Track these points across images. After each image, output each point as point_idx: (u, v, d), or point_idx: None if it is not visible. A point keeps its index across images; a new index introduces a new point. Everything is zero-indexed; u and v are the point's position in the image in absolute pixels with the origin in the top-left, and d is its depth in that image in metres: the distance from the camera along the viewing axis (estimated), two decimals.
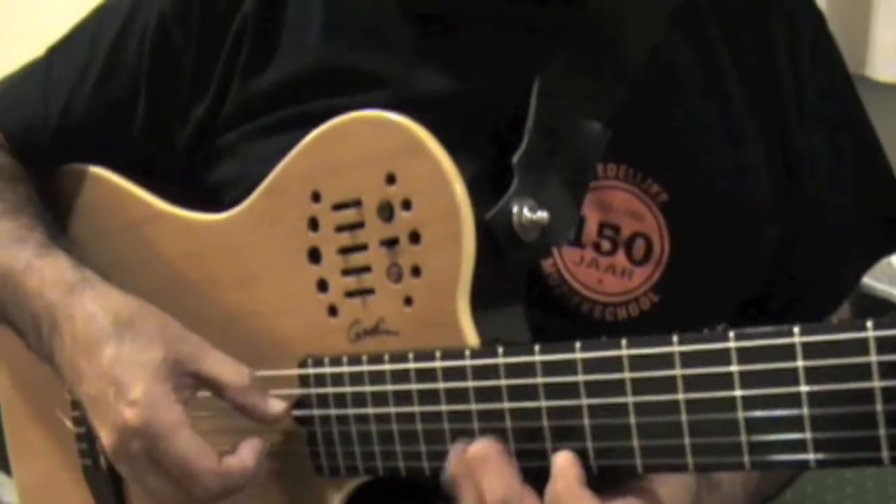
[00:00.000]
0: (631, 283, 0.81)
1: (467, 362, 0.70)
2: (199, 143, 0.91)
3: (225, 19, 0.88)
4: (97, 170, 0.97)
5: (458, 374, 0.70)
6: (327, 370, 0.78)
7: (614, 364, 0.64)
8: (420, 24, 0.83)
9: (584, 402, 0.65)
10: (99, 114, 0.95)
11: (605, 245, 0.81)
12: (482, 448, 0.67)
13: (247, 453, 0.77)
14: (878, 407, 0.56)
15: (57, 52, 1.00)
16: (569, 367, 0.65)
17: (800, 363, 0.58)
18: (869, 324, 0.56)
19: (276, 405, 0.78)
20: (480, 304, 0.73)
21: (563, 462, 0.65)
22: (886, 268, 1.59)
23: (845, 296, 0.92)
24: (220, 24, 0.88)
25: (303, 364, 0.80)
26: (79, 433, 1.01)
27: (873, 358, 0.56)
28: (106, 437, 0.77)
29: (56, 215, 0.99)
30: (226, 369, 0.78)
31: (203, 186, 0.91)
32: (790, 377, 0.58)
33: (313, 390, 0.79)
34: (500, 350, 0.69)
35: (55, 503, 1.08)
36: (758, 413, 0.59)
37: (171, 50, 0.90)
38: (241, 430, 0.83)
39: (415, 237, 0.74)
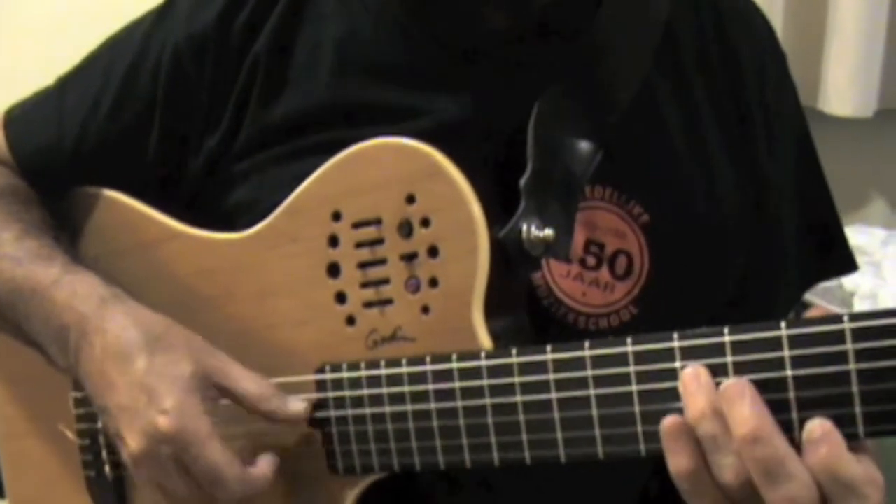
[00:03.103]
0: (613, 296, 0.89)
1: (483, 362, 0.78)
2: (211, 172, 0.96)
3: (239, 56, 0.93)
4: (111, 192, 1.02)
5: (474, 373, 0.78)
6: (345, 375, 0.84)
7: (620, 359, 0.72)
8: (428, 61, 0.90)
9: (593, 392, 0.73)
10: (112, 141, 0.99)
11: (591, 261, 0.88)
12: (739, 382, 0.67)
13: (266, 465, 0.84)
14: (854, 388, 0.65)
15: (70, 81, 1.04)
16: (579, 363, 0.73)
17: (786, 353, 0.67)
18: (845, 316, 0.65)
19: (297, 405, 0.85)
20: (492, 311, 0.80)
21: (825, 425, 0.65)
22: (838, 291, 1.69)
23: (787, 313, 1.00)
24: (233, 61, 0.94)
25: (320, 370, 0.86)
26: (83, 445, 1.05)
27: (849, 346, 0.65)
28: (134, 442, 0.82)
29: (70, 236, 1.03)
30: (246, 381, 0.85)
31: (215, 212, 0.96)
32: (778, 364, 0.67)
33: (330, 394, 0.85)
34: (514, 351, 0.76)
35: None
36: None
37: (186, 83, 0.95)
38: (257, 433, 0.90)
39: (433, 251, 0.81)
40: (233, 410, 0.86)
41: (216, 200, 0.96)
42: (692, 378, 0.68)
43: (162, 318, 0.88)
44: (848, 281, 1.82)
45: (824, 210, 1.00)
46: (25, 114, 1.07)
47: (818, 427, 0.65)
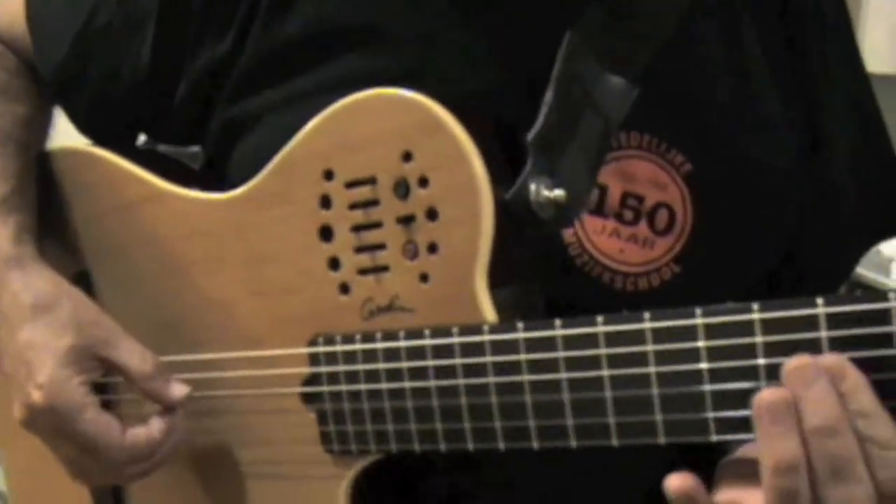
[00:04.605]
0: (653, 253, 0.81)
1: (486, 337, 0.70)
2: (209, 96, 0.89)
3: None
4: (96, 150, 0.96)
5: (476, 349, 0.71)
6: (339, 348, 0.78)
7: (637, 337, 0.65)
8: None
9: (606, 373, 0.66)
10: (115, 29, 0.92)
11: (628, 215, 0.81)
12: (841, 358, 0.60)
13: (156, 425, 0.84)
14: None
15: None
16: (591, 340, 0.66)
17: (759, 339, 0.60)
18: (819, 300, 0.58)
19: (178, 389, 0.85)
20: (497, 280, 0.73)
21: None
22: (874, 256, 1.62)
23: (846, 277, 0.92)
24: None
25: (313, 342, 0.80)
26: None
27: (823, 334, 0.58)
28: (18, 412, 0.85)
29: (56, 197, 0.98)
30: (132, 357, 0.85)
31: (231, 161, 0.90)
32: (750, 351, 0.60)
33: (324, 368, 0.79)
34: (521, 325, 0.69)
35: (46, 485, 1.06)
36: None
37: None
38: (247, 414, 0.85)
39: (432, 214, 0.74)
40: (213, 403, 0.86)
41: (228, 147, 0.90)
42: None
43: (56, 285, 0.88)
44: (887, 246, 1.75)
45: (885, 166, 0.91)
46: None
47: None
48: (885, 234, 0.92)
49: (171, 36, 0.90)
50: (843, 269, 0.92)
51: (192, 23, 0.88)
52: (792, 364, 0.59)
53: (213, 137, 0.91)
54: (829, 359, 0.59)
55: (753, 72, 0.83)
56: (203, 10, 0.87)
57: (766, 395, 0.59)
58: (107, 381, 0.89)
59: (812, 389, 0.58)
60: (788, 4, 0.84)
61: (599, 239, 0.81)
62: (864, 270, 1.64)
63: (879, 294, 0.58)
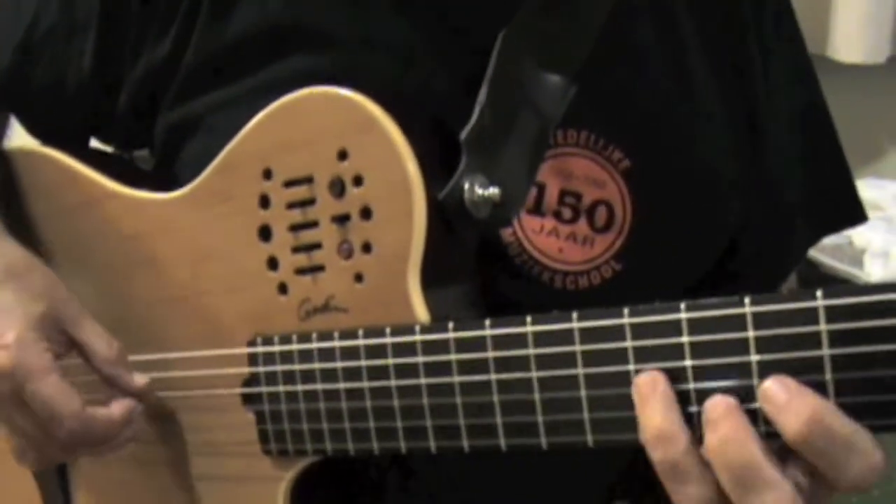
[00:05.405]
0: (592, 251, 0.80)
1: (417, 337, 0.70)
2: (152, 100, 0.89)
3: None
4: (48, 150, 0.96)
5: (408, 349, 0.70)
6: (276, 348, 0.77)
7: (565, 337, 0.64)
8: None
9: (535, 374, 0.65)
10: (57, 35, 0.92)
11: (567, 213, 0.80)
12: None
13: (116, 408, 0.82)
14: (828, 376, 0.56)
15: None
16: (519, 340, 0.65)
17: (750, 333, 0.58)
18: (819, 293, 0.56)
19: (139, 379, 0.83)
20: (431, 281, 0.72)
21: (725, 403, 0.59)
22: (847, 248, 1.61)
23: (791, 268, 0.92)
24: None
25: (252, 343, 0.79)
26: None
27: (823, 327, 0.56)
28: None
29: (11, 197, 0.97)
30: (98, 339, 0.83)
31: (173, 165, 0.89)
32: (741, 347, 0.58)
33: (262, 368, 0.78)
34: (451, 325, 0.68)
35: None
36: (709, 384, 0.60)
37: None
38: (187, 410, 0.84)
39: (366, 213, 0.73)
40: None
41: (174, 150, 0.89)
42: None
43: (30, 257, 0.86)
44: (858, 237, 1.75)
45: (831, 156, 0.91)
46: None
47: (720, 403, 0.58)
48: (830, 227, 0.92)
49: (111, 40, 0.89)
50: (787, 263, 0.91)
51: (133, 27, 0.88)
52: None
53: (159, 140, 0.91)
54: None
55: (691, 66, 0.83)
56: (143, 13, 0.87)
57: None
58: (63, 364, 0.88)
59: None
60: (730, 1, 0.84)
61: (538, 238, 0.80)
62: (839, 264, 1.63)
63: (807, 293, 0.57)
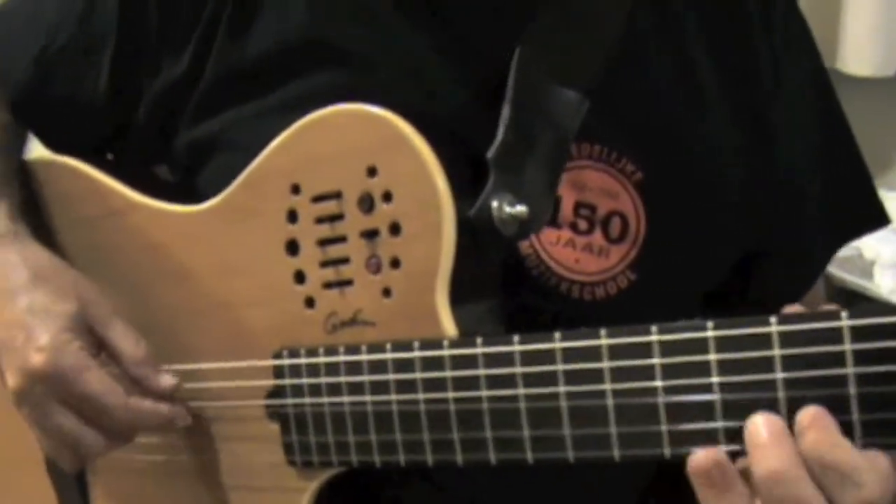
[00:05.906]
0: (608, 261, 0.81)
1: (446, 352, 0.71)
2: (170, 117, 0.89)
3: None
4: (68, 160, 0.96)
5: (436, 363, 0.71)
6: (303, 361, 0.78)
7: (594, 353, 0.65)
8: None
9: (563, 389, 0.66)
10: (74, 50, 0.93)
11: (582, 224, 0.81)
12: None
13: (160, 403, 0.83)
14: (852, 391, 0.58)
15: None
16: (548, 356, 0.66)
17: (776, 352, 0.59)
18: (844, 314, 0.58)
19: (168, 379, 0.83)
20: (459, 296, 0.73)
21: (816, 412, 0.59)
22: (857, 260, 1.62)
23: (815, 277, 0.92)
24: None
25: (278, 355, 0.80)
26: None
27: (847, 346, 0.58)
28: (12, 380, 0.82)
29: (34, 206, 0.98)
30: (127, 339, 0.84)
31: (201, 179, 0.90)
32: (767, 365, 0.60)
33: (288, 381, 0.79)
34: (479, 340, 0.70)
35: (16, 499, 1.07)
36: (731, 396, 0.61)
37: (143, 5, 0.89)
38: (213, 423, 0.85)
39: (395, 229, 0.74)
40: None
41: (197, 165, 0.90)
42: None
43: (57, 261, 0.87)
44: (868, 249, 1.75)
45: (850, 160, 0.91)
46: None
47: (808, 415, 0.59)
48: (851, 235, 0.93)
49: (129, 56, 0.90)
50: (809, 273, 0.92)
51: (150, 44, 0.89)
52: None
53: (179, 157, 0.92)
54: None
55: (700, 77, 0.84)
56: (160, 31, 0.88)
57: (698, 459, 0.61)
58: None
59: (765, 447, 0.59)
60: (736, 4, 0.85)
61: (555, 249, 0.81)
62: (848, 276, 1.64)
63: (831, 314, 0.58)
